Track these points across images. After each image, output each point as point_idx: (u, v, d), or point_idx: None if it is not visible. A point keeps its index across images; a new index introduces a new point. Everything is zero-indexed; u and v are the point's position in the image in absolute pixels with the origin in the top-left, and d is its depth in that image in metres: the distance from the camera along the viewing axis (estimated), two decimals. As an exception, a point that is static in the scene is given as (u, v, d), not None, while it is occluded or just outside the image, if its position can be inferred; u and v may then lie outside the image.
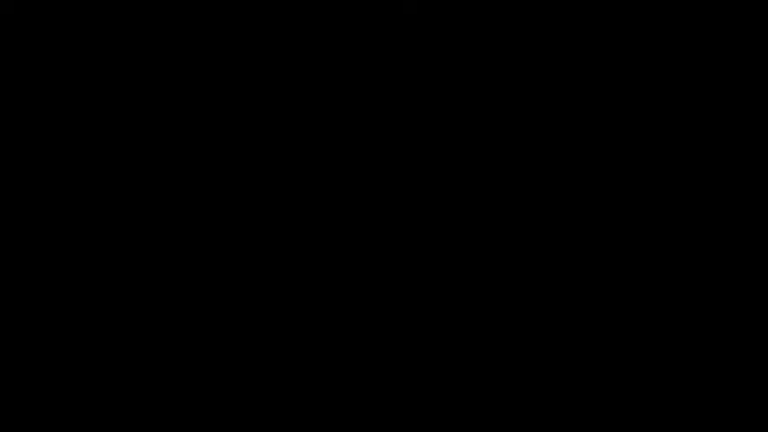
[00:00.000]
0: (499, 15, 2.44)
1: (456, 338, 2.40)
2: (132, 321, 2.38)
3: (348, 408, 2.38)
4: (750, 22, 2.43)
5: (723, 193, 2.41)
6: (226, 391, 2.38)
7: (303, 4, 2.44)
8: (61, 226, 2.39)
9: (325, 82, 2.43)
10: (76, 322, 2.38)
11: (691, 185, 2.42)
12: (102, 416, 2.36)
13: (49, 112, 2.42)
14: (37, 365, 2.37)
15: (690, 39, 2.44)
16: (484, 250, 2.41)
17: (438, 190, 2.42)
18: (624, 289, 2.40)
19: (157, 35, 2.43)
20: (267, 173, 2.42)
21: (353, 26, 2.43)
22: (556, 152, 2.43)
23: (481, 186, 2.42)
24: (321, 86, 2.43)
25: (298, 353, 2.39)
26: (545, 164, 2.42)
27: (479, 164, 2.43)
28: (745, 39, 2.43)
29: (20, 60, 2.42)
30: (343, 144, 2.43)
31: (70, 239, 2.39)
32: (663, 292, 2.40)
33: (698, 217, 2.41)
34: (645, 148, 2.43)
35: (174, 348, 2.38)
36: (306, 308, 2.40)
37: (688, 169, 2.42)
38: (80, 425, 2.36)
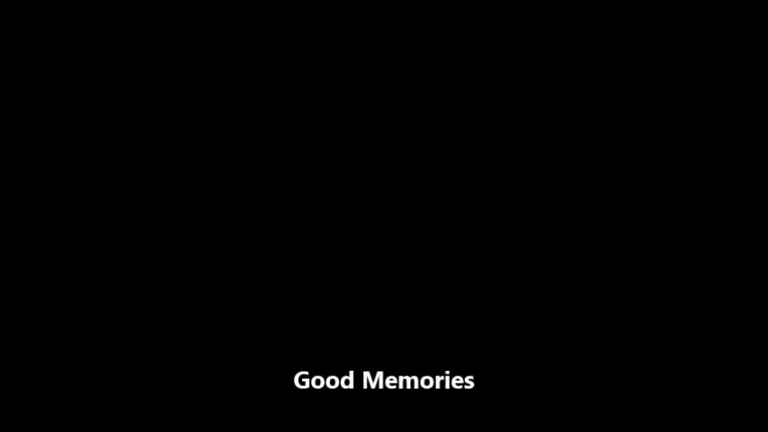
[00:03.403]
0: (499, 15, 2.44)
1: (456, 338, 2.40)
2: (132, 321, 2.39)
3: (347, 407, 2.38)
4: (750, 22, 2.43)
5: (723, 192, 2.41)
6: (226, 390, 2.38)
7: (303, 3, 2.44)
8: (61, 226, 2.40)
9: (325, 82, 2.44)
10: (76, 322, 2.38)
11: (691, 185, 2.42)
12: (103, 416, 2.37)
13: (49, 111, 2.42)
14: (37, 365, 2.37)
15: (690, 39, 2.44)
16: (483, 250, 2.41)
17: (437, 190, 2.42)
18: (624, 289, 2.40)
19: (158, 35, 2.43)
20: (266, 173, 2.42)
21: (353, 26, 2.44)
22: (555, 152, 2.42)
23: (481, 186, 2.42)
24: (321, 86, 2.43)
25: (298, 352, 2.40)
26: (544, 164, 2.42)
27: (479, 164, 2.43)
28: (745, 39, 2.43)
29: (20, 60, 2.42)
30: (342, 144, 2.43)
31: (70, 239, 2.40)
32: (663, 292, 2.40)
33: (698, 217, 2.41)
34: (644, 147, 2.42)
35: (174, 348, 2.39)
36: (305, 307, 2.41)
37: (688, 169, 2.42)
38: (80, 425, 2.36)
